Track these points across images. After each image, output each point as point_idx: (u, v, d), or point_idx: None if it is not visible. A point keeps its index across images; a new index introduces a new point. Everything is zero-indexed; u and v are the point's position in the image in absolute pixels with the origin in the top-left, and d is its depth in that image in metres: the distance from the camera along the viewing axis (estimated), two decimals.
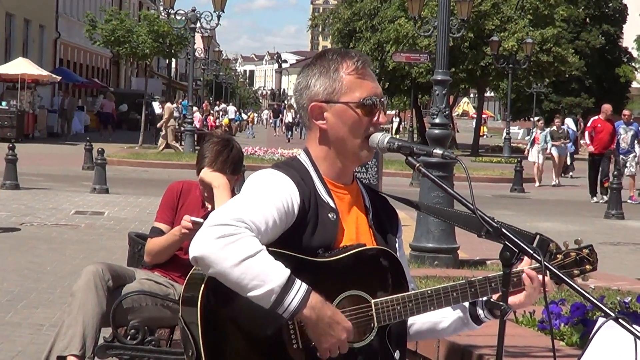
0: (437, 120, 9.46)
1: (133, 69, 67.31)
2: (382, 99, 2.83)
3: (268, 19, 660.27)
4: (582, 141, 32.54)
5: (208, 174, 4.60)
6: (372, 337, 2.71)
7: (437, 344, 4.54)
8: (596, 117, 21.30)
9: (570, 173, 29.24)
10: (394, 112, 69.75)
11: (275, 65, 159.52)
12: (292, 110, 50.85)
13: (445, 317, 2.94)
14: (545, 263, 2.56)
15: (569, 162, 29.15)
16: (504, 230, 2.64)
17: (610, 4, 62.86)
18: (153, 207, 9.15)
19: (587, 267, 2.93)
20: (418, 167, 2.75)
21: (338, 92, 2.79)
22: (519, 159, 24.64)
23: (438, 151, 2.73)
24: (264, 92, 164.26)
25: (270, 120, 70.77)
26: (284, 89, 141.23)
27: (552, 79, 48.15)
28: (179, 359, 4.34)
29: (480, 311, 2.91)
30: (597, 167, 21.07)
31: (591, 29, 61.01)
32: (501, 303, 2.70)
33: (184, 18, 32.98)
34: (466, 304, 2.90)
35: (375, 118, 2.81)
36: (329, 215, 2.75)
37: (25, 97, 35.07)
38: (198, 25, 33.03)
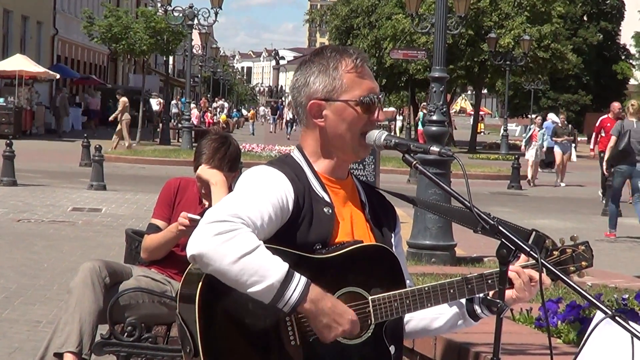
0: (434, 118, 9.45)
1: (130, 66, 67.21)
2: (380, 96, 2.83)
3: (265, 15, 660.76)
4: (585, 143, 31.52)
5: (205, 171, 4.60)
6: (370, 334, 2.71)
7: (434, 342, 4.53)
8: (604, 116, 20.44)
9: (551, 168, 27.03)
10: (395, 110, 69.77)
11: (273, 62, 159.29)
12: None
13: (442, 313, 2.94)
14: (542, 260, 2.57)
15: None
16: (500, 227, 2.64)
17: (608, 1, 62.94)
18: (150, 204, 9.15)
19: (583, 263, 2.93)
20: (415, 165, 2.75)
21: (338, 90, 2.79)
22: (517, 156, 24.48)
23: (435, 148, 2.73)
24: (262, 88, 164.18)
25: (268, 117, 70.69)
26: (281, 86, 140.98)
27: (547, 76, 48.09)
28: (176, 355, 4.35)
29: (477, 307, 2.91)
30: None
31: (588, 25, 61.11)
32: (498, 301, 2.70)
33: (181, 15, 32.99)
34: (463, 300, 2.90)
35: (374, 115, 2.81)
36: (324, 209, 2.75)
37: (22, 93, 35.05)
38: (195, 22, 33.04)
